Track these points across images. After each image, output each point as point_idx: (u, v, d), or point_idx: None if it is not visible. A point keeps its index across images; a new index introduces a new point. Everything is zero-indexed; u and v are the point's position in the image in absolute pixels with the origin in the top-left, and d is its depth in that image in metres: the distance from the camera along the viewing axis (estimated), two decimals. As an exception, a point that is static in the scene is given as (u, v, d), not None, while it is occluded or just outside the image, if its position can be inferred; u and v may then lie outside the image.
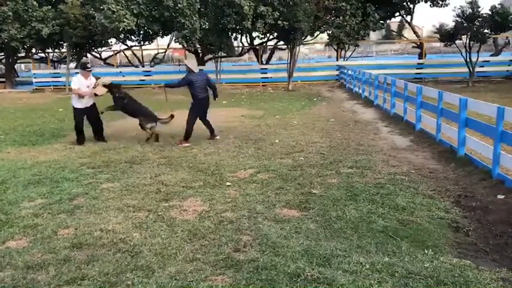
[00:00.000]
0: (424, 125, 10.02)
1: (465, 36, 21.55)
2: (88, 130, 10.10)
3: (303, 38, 23.46)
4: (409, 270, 3.89)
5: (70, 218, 5.35)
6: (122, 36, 25.31)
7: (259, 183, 6.58)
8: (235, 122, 12.40)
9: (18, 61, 33.71)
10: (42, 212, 5.58)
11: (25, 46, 25.35)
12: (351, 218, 5.14)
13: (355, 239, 4.57)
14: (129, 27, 21.29)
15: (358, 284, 3.69)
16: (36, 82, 27.60)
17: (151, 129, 9.90)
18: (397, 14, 28.19)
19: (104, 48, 29.08)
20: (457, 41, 22.47)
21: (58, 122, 13.07)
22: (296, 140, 9.60)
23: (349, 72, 21.85)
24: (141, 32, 25.42)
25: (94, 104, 9.95)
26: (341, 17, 23.41)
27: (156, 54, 32.40)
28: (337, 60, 28.04)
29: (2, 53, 29.52)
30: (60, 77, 27.31)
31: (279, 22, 21.17)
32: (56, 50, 29.96)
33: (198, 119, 9.66)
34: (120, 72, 27.93)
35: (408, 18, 28.09)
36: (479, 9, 21.25)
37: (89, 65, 10.25)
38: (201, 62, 27.97)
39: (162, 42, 32.35)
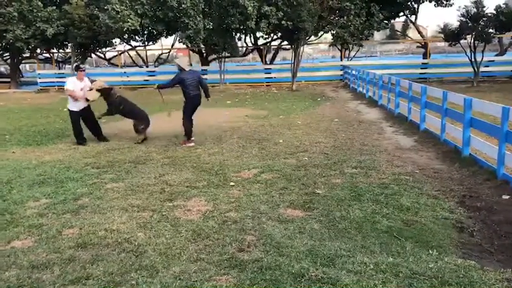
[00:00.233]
0: (429, 125, 10.00)
1: (470, 36, 21.46)
2: (88, 130, 10.20)
3: (307, 38, 23.43)
4: (414, 270, 3.89)
5: (75, 218, 5.37)
6: (126, 36, 25.38)
7: (263, 183, 6.59)
8: (239, 122, 12.41)
9: (23, 61, 33.85)
10: (47, 211, 5.61)
11: (30, 46, 25.47)
12: (355, 218, 5.13)
13: (359, 239, 4.56)
14: (133, 28, 21.35)
15: (362, 284, 3.68)
16: (40, 82, 27.71)
17: (143, 130, 9.99)
18: (402, 13, 28.08)
19: (108, 49, 29.16)
20: (462, 41, 22.39)
21: (63, 122, 13.10)
22: (300, 140, 9.60)
23: (353, 72, 21.81)
24: (145, 32, 25.50)
25: (89, 106, 10.01)
26: (345, 17, 23.38)
27: (160, 55, 32.45)
28: (341, 60, 27.98)
29: (7, 54, 29.67)
30: (64, 77, 27.30)
31: (283, 22, 21.17)
32: (61, 50, 30.09)
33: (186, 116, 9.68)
34: (125, 72, 27.99)
35: (412, 18, 28.00)
36: (484, 9, 21.18)
37: (81, 66, 10.31)
38: (205, 62, 28.03)
39: (166, 42, 32.66)
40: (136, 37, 26.44)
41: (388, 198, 5.77)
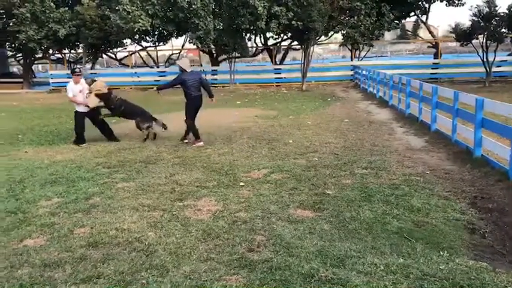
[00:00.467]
0: (440, 126, 9.93)
1: (482, 35, 21.26)
2: (96, 130, 10.32)
3: (317, 38, 23.39)
4: (424, 271, 3.86)
5: (86, 217, 5.42)
6: (136, 36, 25.55)
7: (273, 183, 6.59)
8: (249, 122, 12.42)
9: (36, 62, 34.21)
10: (59, 211, 5.66)
11: (42, 47, 25.76)
12: (365, 219, 5.11)
13: (369, 240, 4.54)
14: (144, 28, 21.49)
15: (372, 285, 3.67)
16: (52, 82, 27.98)
17: (147, 129, 10.09)
18: (412, 13, 27.89)
19: (119, 49, 29.41)
20: (474, 41, 22.18)
21: (74, 122, 13.19)
22: (310, 141, 9.58)
23: (364, 72, 21.73)
24: (156, 33, 25.65)
25: (96, 106, 10.10)
26: (355, 17, 23.30)
27: (170, 55, 32.62)
28: (351, 60, 27.91)
29: (20, 54, 30.02)
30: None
31: (293, 22, 21.16)
32: (72, 51, 30.37)
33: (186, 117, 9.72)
34: (135, 72, 28.17)
35: (423, 17, 27.83)
36: (497, 8, 20.97)
37: (77, 70, 10.41)
38: (215, 62, 28.10)
39: (176, 43, 32.76)
40: (147, 37, 26.61)
41: (399, 199, 5.74)
